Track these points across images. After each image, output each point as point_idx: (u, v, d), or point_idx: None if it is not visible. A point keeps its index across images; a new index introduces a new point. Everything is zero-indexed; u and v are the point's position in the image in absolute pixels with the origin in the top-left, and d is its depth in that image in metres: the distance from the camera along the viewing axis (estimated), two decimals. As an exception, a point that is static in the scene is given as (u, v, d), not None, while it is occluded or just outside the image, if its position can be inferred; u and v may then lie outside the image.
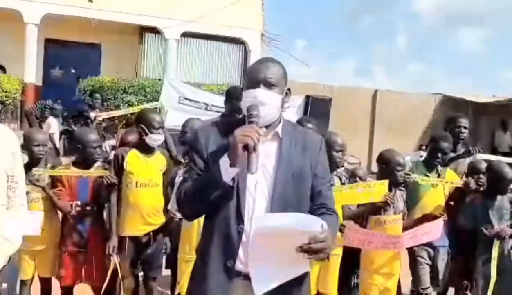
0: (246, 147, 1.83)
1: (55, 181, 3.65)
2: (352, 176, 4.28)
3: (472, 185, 3.81)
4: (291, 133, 2.06)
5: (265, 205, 1.95)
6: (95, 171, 3.68)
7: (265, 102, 1.94)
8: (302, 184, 2.01)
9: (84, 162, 3.74)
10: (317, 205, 2.03)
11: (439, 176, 3.98)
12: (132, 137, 4.13)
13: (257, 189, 1.95)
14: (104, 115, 10.08)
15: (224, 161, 1.87)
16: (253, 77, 2.00)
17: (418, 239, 3.54)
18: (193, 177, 2.00)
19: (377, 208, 3.58)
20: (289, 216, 1.85)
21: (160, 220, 3.76)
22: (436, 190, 3.95)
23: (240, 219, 1.93)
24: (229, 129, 2.00)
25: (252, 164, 1.83)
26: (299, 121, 4.42)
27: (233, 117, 2.16)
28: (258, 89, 1.96)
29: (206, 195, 1.90)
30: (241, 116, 2.11)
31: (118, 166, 3.70)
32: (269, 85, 1.97)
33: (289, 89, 2.08)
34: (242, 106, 2.05)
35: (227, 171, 1.86)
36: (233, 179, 1.89)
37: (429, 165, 4.04)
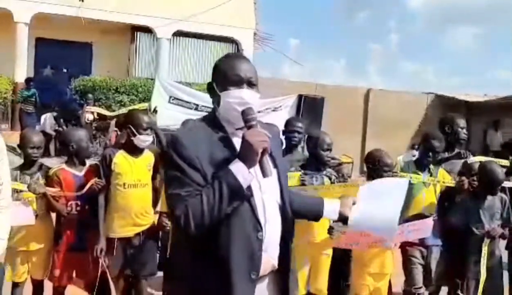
0: (262, 152, 1.80)
1: (50, 182, 3.62)
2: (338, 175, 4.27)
3: (466, 184, 3.80)
4: (266, 130, 2.00)
5: (276, 207, 1.94)
6: (86, 187, 3.61)
7: (251, 103, 1.89)
8: (287, 178, 2.05)
9: (77, 160, 3.71)
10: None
11: (431, 175, 3.97)
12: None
13: (264, 193, 1.90)
14: (94, 109, 10.06)
15: (240, 168, 1.78)
16: (235, 76, 1.92)
17: (405, 235, 3.53)
18: (194, 192, 1.80)
19: None
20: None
21: (149, 220, 3.74)
22: (429, 189, 3.94)
23: (258, 225, 1.86)
24: (210, 131, 1.90)
25: (267, 168, 1.81)
26: (289, 121, 4.42)
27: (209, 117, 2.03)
28: (243, 90, 1.91)
29: (225, 207, 1.79)
30: (211, 113, 1.99)
31: (106, 167, 3.67)
32: (251, 85, 1.93)
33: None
34: (222, 106, 1.94)
35: (246, 179, 1.79)
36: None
37: (421, 164, 4.03)
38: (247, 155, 1.79)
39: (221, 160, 1.82)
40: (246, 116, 1.86)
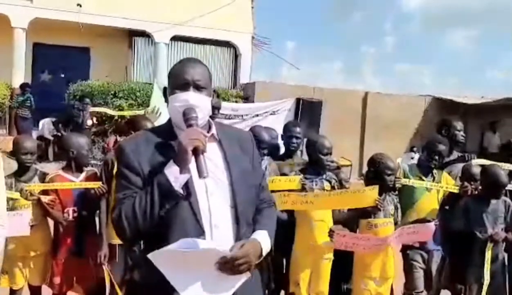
0: (194, 151, 1.77)
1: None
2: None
3: (470, 191, 3.79)
4: (225, 133, 2.01)
5: (228, 210, 1.89)
6: (87, 182, 3.62)
7: (196, 106, 1.88)
8: (251, 182, 1.98)
9: (75, 166, 3.69)
10: (259, 199, 2.03)
11: (434, 179, 3.96)
12: None
13: (211, 196, 1.86)
14: (98, 109, 10.06)
15: (172, 169, 1.77)
16: (181, 79, 1.91)
17: (403, 237, 3.52)
18: (130, 195, 1.82)
19: (367, 212, 3.57)
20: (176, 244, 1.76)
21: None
22: (431, 193, 3.92)
23: (200, 229, 1.82)
24: (156, 137, 1.91)
25: (202, 168, 1.77)
26: (287, 126, 4.42)
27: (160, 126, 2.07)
28: (188, 93, 1.89)
29: (157, 209, 1.77)
30: (165, 122, 2.00)
31: (108, 172, 3.66)
32: (198, 87, 1.91)
33: (214, 91, 2.02)
34: (169, 110, 1.96)
35: (177, 180, 1.76)
36: (182, 188, 1.78)
37: (424, 168, 4.02)
38: (178, 155, 1.78)
39: (161, 163, 1.82)
40: (186, 116, 1.86)
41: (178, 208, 1.80)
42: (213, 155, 1.89)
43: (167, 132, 1.93)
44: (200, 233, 1.81)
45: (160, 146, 1.88)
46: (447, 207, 3.95)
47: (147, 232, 1.82)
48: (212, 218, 1.85)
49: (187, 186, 1.80)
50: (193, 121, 1.84)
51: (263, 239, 1.91)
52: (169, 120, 1.98)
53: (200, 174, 1.77)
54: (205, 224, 1.83)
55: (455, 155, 4.35)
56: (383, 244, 3.48)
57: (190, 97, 1.88)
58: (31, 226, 3.40)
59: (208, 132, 1.93)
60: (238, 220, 1.89)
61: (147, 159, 1.85)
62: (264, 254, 1.90)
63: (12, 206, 3.52)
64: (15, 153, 3.63)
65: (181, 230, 1.80)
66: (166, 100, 1.97)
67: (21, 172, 3.65)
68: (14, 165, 3.86)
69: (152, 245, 1.84)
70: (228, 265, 1.77)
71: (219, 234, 1.84)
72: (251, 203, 1.98)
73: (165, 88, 1.99)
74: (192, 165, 1.78)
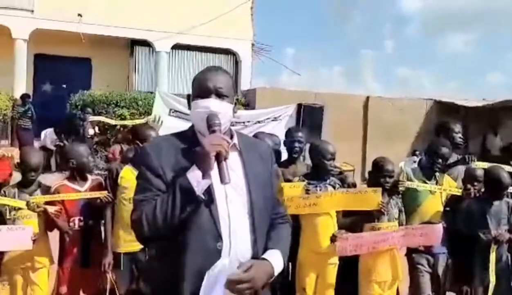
0: (217, 156, 1.78)
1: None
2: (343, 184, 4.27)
3: (473, 194, 3.79)
4: (245, 143, 2.03)
5: (245, 218, 1.89)
6: (93, 192, 3.63)
7: (218, 112, 1.90)
8: (267, 193, 1.99)
9: (79, 175, 3.71)
10: (274, 213, 2.05)
11: (437, 182, 3.97)
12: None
13: (230, 203, 1.87)
14: (98, 118, 10.09)
15: (194, 174, 1.78)
16: (203, 87, 1.94)
17: (410, 238, 3.50)
18: (152, 197, 1.83)
19: (371, 216, 3.57)
20: None
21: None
22: (434, 196, 3.93)
23: (218, 235, 1.82)
24: (179, 143, 1.93)
25: (225, 174, 1.78)
26: (289, 131, 4.43)
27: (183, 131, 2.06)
28: (210, 99, 1.92)
29: (178, 212, 1.77)
30: (187, 128, 2.02)
31: (112, 181, 3.67)
32: (220, 95, 1.93)
33: (237, 99, 2.03)
34: (192, 117, 1.99)
35: (199, 184, 1.77)
36: (203, 193, 1.79)
37: (427, 172, 4.02)
38: (201, 159, 1.79)
39: (183, 168, 1.83)
40: (209, 121, 1.88)
41: (197, 213, 1.81)
42: (233, 164, 1.91)
43: (189, 138, 1.96)
44: (218, 239, 1.82)
45: (182, 151, 1.90)
46: (448, 209, 3.95)
47: (165, 235, 1.83)
48: (232, 224, 1.86)
49: (208, 191, 1.82)
50: (216, 127, 1.86)
51: (276, 260, 1.91)
52: (192, 126, 2.01)
53: (222, 180, 1.78)
54: (224, 230, 1.84)
55: (454, 157, 4.36)
56: (387, 240, 3.45)
57: (212, 104, 1.91)
58: (34, 240, 3.40)
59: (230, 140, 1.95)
60: (255, 228, 1.90)
61: (169, 163, 1.87)
62: (276, 274, 1.90)
63: (14, 216, 3.52)
64: (22, 167, 3.64)
65: (198, 235, 1.81)
66: (189, 107, 2.01)
67: (24, 184, 3.66)
68: (17, 176, 3.88)
69: (168, 249, 1.85)
70: (232, 286, 1.76)
71: (238, 241, 1.86)
72: (267, 214, 1.99)
73: (188, 96, 2.03)
74: (213, 171, 1.80)
